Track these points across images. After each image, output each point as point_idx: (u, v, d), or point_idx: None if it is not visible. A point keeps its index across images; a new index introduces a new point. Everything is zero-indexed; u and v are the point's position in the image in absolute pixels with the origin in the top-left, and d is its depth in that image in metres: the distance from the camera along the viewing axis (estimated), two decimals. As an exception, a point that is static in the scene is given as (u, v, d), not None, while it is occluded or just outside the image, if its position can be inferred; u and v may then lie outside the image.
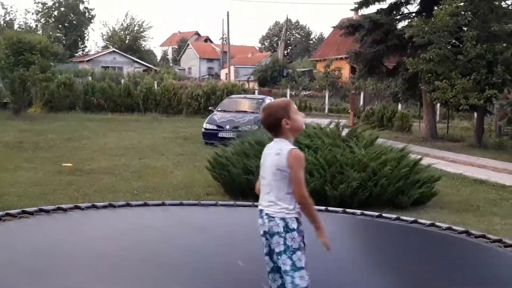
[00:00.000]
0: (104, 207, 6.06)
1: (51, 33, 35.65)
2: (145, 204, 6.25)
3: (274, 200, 3.28)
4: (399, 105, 27.05)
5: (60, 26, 62.62)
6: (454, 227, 5.64)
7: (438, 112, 25.89)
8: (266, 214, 3.30)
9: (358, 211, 6.41)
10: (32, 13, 62.56)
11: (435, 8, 17.44)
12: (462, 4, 16.82)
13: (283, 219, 3.23)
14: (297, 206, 3.25)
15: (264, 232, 3.30)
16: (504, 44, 16.57)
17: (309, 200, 3.21)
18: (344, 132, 9.46)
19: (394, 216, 6.15)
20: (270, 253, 3.31)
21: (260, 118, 3.54)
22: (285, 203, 3.25)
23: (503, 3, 17.67)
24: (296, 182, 3.20)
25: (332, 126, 9.49)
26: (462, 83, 16.29)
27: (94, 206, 6.04)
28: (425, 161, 9.62)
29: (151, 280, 3.88)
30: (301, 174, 3.22)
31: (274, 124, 3.32)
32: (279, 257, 3.24)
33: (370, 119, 23.39)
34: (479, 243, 5.13)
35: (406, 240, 5.49)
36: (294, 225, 3.22)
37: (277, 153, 3.27)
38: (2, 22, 27.57)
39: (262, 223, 3.31)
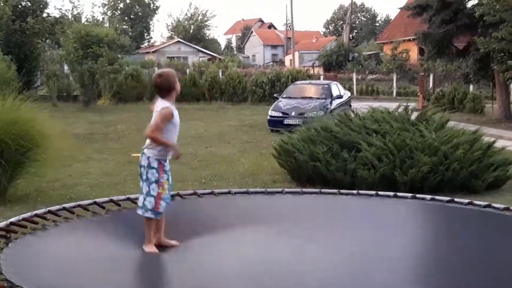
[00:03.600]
0: (172, 195, 6.10)
1: (117, 25, 36.29)
2: (212, 193, 6.26)
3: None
4: (471, 86, 26.21)
5: (126, 18, 63.95)
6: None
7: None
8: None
9: (428, 196, 6.21)
10: (99, 6, 64.08)
11: (507, -16, 16.74)
12: (536, -22, 16.09)
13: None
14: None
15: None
16: None
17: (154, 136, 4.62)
18: (413, 116, 9.22)
19: (466, 201, 5.93)
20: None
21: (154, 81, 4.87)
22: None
23: None
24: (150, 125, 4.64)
25: (400, 110, 9.25)
26: (537, 61, 15.62)
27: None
28: (499, 144, 9.27)
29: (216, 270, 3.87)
30: (158, 122, 4.64)
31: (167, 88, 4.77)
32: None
33: (441, 101, 22.74)
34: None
35: (479, 225, 5.28)
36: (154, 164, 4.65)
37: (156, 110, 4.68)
38: (70, 17, 28.33)
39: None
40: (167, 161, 4.78)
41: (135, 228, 4.80)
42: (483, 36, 17.60)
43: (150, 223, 4.62)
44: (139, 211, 4.67)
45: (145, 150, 4.71)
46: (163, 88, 4.76)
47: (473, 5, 19.59)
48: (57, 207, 5.53)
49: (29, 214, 5.24)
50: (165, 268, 4.21)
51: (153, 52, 53.08)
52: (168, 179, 4.74)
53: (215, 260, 4.12)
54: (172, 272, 4.13)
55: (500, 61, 17.20)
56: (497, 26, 16.46)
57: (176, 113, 4.79)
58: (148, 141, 4.70)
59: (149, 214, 4.60)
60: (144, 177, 4.68)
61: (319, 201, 6.12)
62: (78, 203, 5.71)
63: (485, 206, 5.70)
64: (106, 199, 5.96)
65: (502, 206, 5.70)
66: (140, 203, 4.71)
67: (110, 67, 22.44)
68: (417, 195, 6.27)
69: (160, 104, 4.70)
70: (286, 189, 6.99)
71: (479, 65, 20.02)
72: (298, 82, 21.31)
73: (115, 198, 5.97)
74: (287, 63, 56.35)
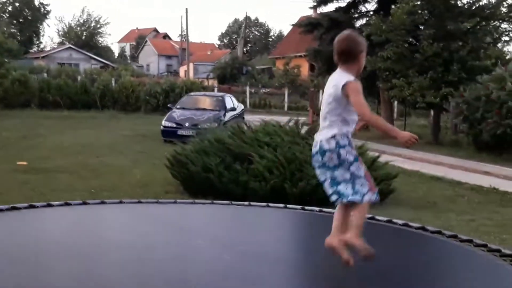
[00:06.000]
0: (60, 205, 5.93)
1: (5, 29, 34.92)
2: (102, 203, 6.15)
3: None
4: (357, 103, 27.30)
5: (14, 21, 61.47)
6: (410, 224, 5.69)
7: (395, 110, 26.27)
8: None
9: (317, 208, 6.42)
10: (-14, 9, 61.39)
11: (393, 6, 17.70)
12: (419, 2, 17.13)
13: None
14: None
15: None
16: (460, 43, 16.92)
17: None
18: (304, 130, 9.49)
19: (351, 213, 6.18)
20: None
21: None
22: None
23: (458, 2, 18.02)
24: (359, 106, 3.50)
25: (291, 123, 9.52)
26: (419, 81, 16.59)
27: (50, 205, 5.91)
28: (383, 159, 9.73)
29: (108, 278, 3.82)
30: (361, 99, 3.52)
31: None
32: None
33: (329, 116, 23.52)
34: (435, 238, 5.20)
35: (363, 236, 5.52)
36: None
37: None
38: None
39: None
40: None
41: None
42: (369, 55, 18.43)
43: (366, 210, 3.61)
44: (356, 199, 3.52)
45: (326, 132, 3.63)
46: (344, 54, 3.57)
47: (361, 25, 20.53)
48: None
49: None
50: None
51: (42, 57, 51.27)
52: None
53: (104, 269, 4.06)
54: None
55: (385, 79, 18.13)
56: (383, 46, 17.33)
57: None
58: (326, 123, 3.60)
59: (370, 198, 3.56)
60: (335, 162, 3.56)
61: (211, 211, 6.16)
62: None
63: (369, 219, 5.96)
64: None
65: (385, 218, 5.99)
66: (347, 192, 3.53)
67: (-4, 71, 21.49)
68: (306, 207, 6.46)
69: (342, 78, 3.53)
70: (179, 200, 6.99)
71: (365, 82, 20.82)
72: (192, 93, 21.38)
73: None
74: (181, 74, 56.25)
